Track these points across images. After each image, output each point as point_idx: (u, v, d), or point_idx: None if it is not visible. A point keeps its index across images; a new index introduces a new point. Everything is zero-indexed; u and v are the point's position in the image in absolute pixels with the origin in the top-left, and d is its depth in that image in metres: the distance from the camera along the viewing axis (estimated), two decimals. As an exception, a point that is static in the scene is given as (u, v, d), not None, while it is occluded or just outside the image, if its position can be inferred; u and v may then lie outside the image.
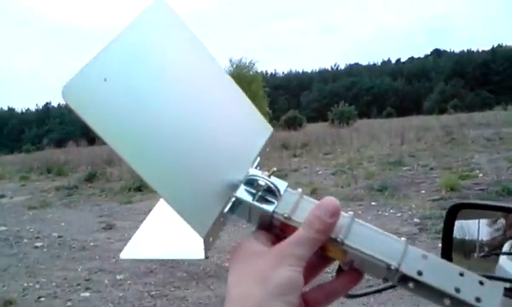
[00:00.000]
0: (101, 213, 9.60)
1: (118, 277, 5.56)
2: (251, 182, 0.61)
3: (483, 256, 1.25)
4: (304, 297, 0.57)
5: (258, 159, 0.66)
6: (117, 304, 4.80)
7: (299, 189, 0.61)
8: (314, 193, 8.75)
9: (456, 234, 1.17)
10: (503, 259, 1.20)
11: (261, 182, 0.60)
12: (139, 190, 11.54)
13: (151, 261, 6.03)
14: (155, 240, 0.72)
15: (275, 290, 0.51)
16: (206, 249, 0.59)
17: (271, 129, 0.73)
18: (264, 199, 0.59)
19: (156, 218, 0.77)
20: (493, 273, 1.16)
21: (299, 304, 0.53)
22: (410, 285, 0.55)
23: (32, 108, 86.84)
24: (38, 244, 7.29)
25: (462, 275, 0.54)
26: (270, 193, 0.60)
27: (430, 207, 7.47)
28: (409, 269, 0.55)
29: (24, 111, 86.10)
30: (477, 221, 1.22)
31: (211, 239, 0.58)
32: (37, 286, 5.45)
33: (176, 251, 0.68)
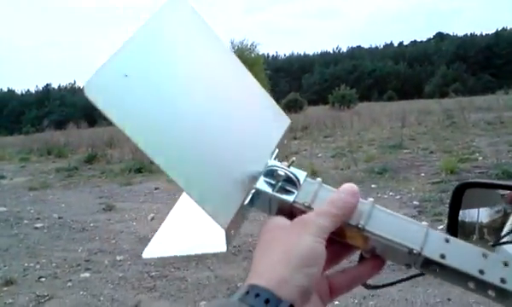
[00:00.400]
0: (101, 195, 9.62)
1: (118, 258, 5.59)
2: (270, 173, 0.61)
3: (493, 245, 1.24)
4: (328, 281, 0.58)
5: (277, 150, 0.66)
6: (117, 285, 4.82)
7: (319, 179, 0.61)
8: (314, 175, 8.74)
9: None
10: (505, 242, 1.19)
11: (281, 173, 0.60)
12: (139, 172, 11.55)
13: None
14: (176, 237, 0.73)
15: (297, 262, 0.51)
16: (228, 241, 0.59)
17: (289, 120, 0.74)
18: (284, 190, 0.59)
19: (177, 216, 0.78)
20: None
21: (321, 281, 0.55)
22: (434, 269, 0.55)
23: (32, 90, 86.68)
24: (39, 225, 7.31)
25: (485, 256, 0.54)
26: (290, 183, 0.60)
27: (430, 190, 7.48)
28: (431, 253, 0.55)
29: (24, 92, 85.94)
30: (477, 203, 1.21)
31: (232, 231, 0.59)
32: (38, 266, 5.47)
33: (197, 245, 0.69)
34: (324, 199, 0.57)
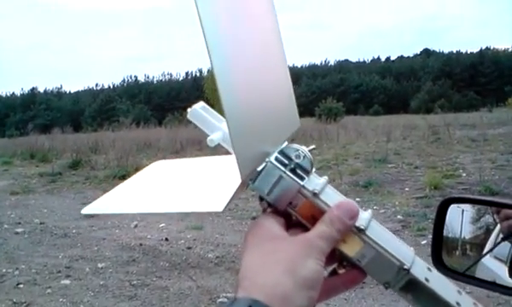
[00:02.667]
0: (85, 201, 9.49)
1: (99, 265, 5.52)
2: (284, 153, 0.59)
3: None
4: None
5: (286, 143, 0.64)
6: (97, 293, 4.76)
7: (325, 177, 0.61)
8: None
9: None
10: (486, 258, 1.20)
11: (301, 153, 0.59)
12: (124, 179, 11.32)
13: (133, 250, 6.00)
14: (138, 195, 0.72)
15: (302, 282, 0.51)
16: (229, 201, 0.57)
17: (299, 124, 0.74)
18: (294, 172, 0.58)
19: (137, 181, 0.76)
20: (474, 271, 1.16)
21: None
22: (410, 295, 0.57)
23: (18, 93, 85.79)
24: (19, 230, 7.21)
25: (459, 292, 0.57)
26: (302, 168, 0.59)
27: (414, 205, 7.53)
28: (418, 274, 0.56)
29: (9, 95, 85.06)
30: (460, 219, 1.21)
31: (231, 198, 0.58)
32: (17, 272, 5.38)
33: (179, 203, 0.66)
34: (330, 195, 0.58)
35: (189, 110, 0.66)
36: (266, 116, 0.61)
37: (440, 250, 1.07)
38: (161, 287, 4.83)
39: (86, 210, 0.67)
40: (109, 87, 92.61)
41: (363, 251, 0.56)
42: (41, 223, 7.60)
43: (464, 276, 1.03)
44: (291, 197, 0.57)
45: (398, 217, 6.92)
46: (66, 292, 4.78)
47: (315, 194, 0.57)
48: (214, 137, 0.62)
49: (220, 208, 0.56)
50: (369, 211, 0.59)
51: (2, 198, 9.98)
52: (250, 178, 0.58)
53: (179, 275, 5.15)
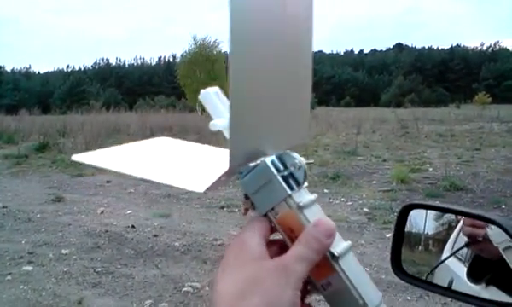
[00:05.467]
0: (51, 185, 9.34)
1: (63, 251, 5.42)
2: (281, 159, 0.57)
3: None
4: None
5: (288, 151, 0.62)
6: (60, 280, 4.67)
7: (315, 194, 0.59)
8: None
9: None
10: (446, 261, 1.21)
11: (297, 163, 0.57)
12: (91, 163, 11.29)
13: (99, 236, 5.91)
14: (132, 157, 0.70)
15: None
16: (212, 186, 0.55)
17: (308, 140, 0.70)
18: (286, 180, 0.56)
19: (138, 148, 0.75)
20: (433, 275, 1.17)
21: None
22: None
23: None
24: (-19, 213, 7.02)
25: None
26: (294, 179, 0.56)
27: (380, 198, 7.63)
28: None
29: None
30: (421, 225, 1.23)
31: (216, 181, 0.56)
32: (-23, 257, 5.24)
33: (162, 175, 0.63)
34: (314, 214, 0.56)
35: (202, 91, 0.63)
36: (275, 119, 0.58)
37: (400, 256, 1.07)
38: (126, 275, 4.77)
39: (76, 157, 0.68)
40: (80, 69, 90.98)
41: (330, 279, 0.55)
42: (4, 207, 7.41)
43: (423, 282, 1.04)
44: (275, 203, 0.55)
45: (365, 209, 7.01)
46: (28, 279, 4.68)
47: (299, 207, 0.55)
48: (217, 122, 0.58)
49: (201, 189, 0.55)
50: (349, 242, 0.57)
51: (-36, 180, 9.71)
52: (240, 171, 0.56)
53: (144, 262, 5.10)
